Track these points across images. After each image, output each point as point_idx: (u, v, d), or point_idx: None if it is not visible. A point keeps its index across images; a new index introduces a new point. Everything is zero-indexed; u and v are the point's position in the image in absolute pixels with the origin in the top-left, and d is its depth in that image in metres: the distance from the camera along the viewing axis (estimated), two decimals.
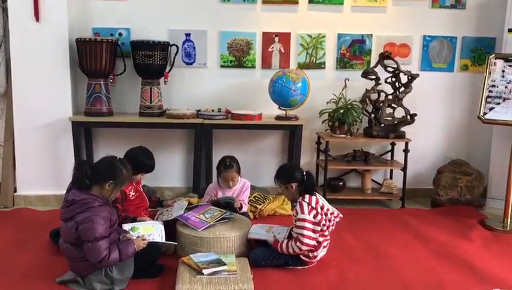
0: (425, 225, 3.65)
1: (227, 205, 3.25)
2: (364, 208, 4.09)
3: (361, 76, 4.08)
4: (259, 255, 2.85)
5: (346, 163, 4.16)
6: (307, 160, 4.32)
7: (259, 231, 3.03)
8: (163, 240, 2.78)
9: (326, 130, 4.15)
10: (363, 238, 3.36)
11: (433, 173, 4.27)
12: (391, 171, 4.37)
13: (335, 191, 4.16)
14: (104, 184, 2.54)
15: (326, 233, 2.89)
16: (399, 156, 4.23)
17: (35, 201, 3.95)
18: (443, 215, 3.90)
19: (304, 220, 2.78)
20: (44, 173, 3.94)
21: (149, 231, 2.74)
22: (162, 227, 2.85)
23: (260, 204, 3.76)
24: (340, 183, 4.19)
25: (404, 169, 4.10)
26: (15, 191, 3.98)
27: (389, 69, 4.04)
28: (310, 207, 2.80)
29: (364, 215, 3.87)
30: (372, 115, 4.11)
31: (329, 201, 3.02)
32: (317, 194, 2.91)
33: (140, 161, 3.13)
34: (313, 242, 2.80)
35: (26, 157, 3.92)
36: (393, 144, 4.30)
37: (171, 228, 2.99)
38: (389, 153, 4.36)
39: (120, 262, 2.49)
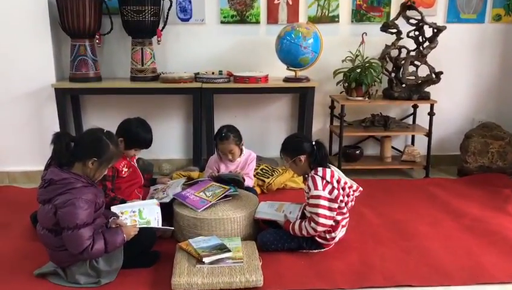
0: (454, 197, 3.28)
1: (231, 181, 2.88)
2: (383, 178, 3.75)
3: (381, 30, 3.68)
4: (269, 238, 2.53)
5: (363, 129, 3.81)
6: (319, 126, 3.99)
7: (268, 210, 2.70)
8: (159, 225, 2.43)
9: (341, 93, 3.80)
10: (386, 214, 3.01)
11: (460, 137, 3.90)
12: (413, 137, 4.01)
13: (351, 161, 3.83)
14: (87, 162, 2.19)
15: (345, 210, 2.56)
16: (421, 120, 3.88)
17: (20, 178, 3.67)
18: (473, 185, 3.54)
19: (318, 197, 2.43)
20: (28, 146, 3.64)
21: (141, 215, 2.40)
22: (158, 209, 2.50)
23: (268, 177, 3.42)
24: (357, 152, 3.86)
25: (429, 134, 3.73)
26: None
27: (412, 21, 3.63)
28: (324, 181, 2.46)
29: (385, 187, 3.52)
30: (393, 75, 3.74)
31: (345, 172, 2.68)
32: (331, 166, 2.57)
33: (137, 134, 2.82)
34: (330, 222, 2.46)
35: (8, 130, 3.62)
36: (415, 107, 3.92)
37: (167, 208, 2.67)
38: (411, 117, 3.98)
39: (106, 254, 2.16)
